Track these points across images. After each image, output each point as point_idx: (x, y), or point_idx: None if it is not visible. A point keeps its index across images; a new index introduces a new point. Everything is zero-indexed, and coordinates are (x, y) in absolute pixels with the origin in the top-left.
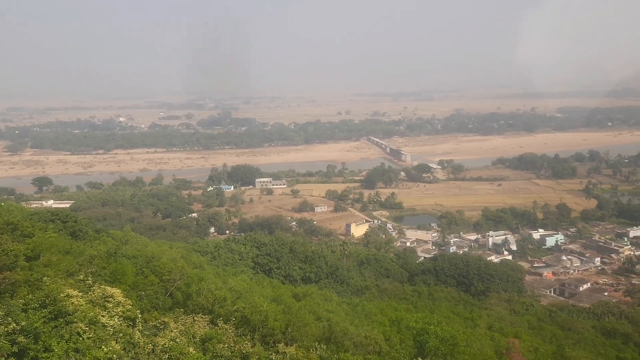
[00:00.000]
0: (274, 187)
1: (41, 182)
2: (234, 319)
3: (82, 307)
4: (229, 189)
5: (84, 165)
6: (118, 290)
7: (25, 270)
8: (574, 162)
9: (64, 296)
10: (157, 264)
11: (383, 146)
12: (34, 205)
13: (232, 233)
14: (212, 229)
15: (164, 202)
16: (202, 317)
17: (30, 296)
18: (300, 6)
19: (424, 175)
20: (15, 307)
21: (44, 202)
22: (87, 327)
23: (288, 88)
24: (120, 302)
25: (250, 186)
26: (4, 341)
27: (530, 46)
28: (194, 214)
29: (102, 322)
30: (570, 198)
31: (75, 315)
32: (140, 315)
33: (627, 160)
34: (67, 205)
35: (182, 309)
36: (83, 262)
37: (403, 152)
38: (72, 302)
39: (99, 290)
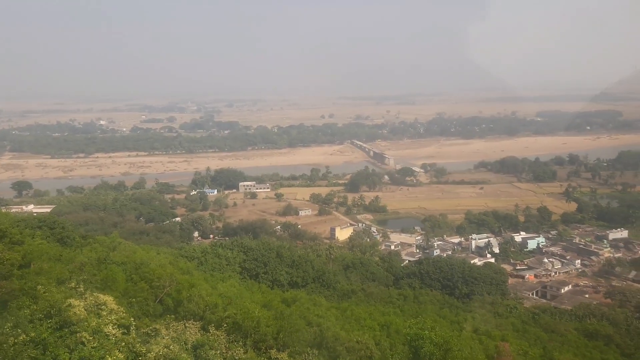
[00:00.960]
0: (257, 190)
1: (21, 187)
2: (225, 325)
3: (84, 317)
4: (212, 193)
5: (64, 169)
6: (110, 298)
7: (19, 278)
8: (554, 165)
9: (66, 306)
10: (146, 270)
11: (366, 150)
12: (13, 210)
13: (216, 237)
14: (196, 234)
15: (147, 207)
16: (193, 324)
17: (34, 306)
18: (281, 11)
19: (407, 178)
20: (24, 318)
21: (24, 207)
22: (90, 336)
23: (271, 91)
24: (113, 309)
25: (234, 190)
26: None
27: (507, 51)
28: (178, 219)
29: (105, 332)
30: (551, 201)
31: (79, 325)
32: (134, 323)
33: (605, 164)
34: (48, 210)
35: (172, 316)
36: (74, 270)
37: (386, 156)
38: (75, 312)
39: (91, 298)
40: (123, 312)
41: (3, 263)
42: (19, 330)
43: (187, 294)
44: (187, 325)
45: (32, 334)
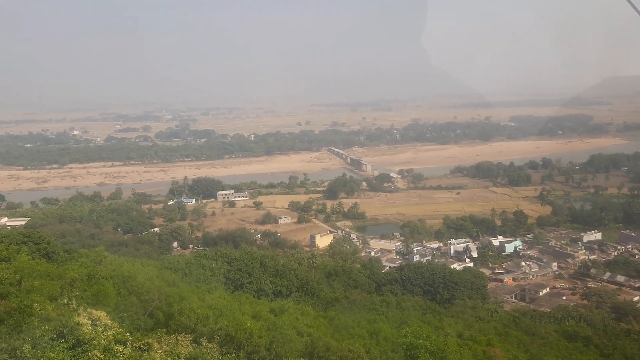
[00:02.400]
0: (236, 199)
1: None
2: (217, 337)
3: (95, 335)
4: (190, 202)
5: (37, 181)
6: (103, 313)
7: (14, 297)
8: (529, 169)
9: (75, 324)
10: (134, 284)
11: (344, 156)
12: None
13: (196, 247)
14: (175, 244)
15: (124, 217)
16: (185, 337)
17: (45, 327)
18: (253, 18)
19: (385, 184)
20: (42, 339)
21: None
22: (102, 354)
23: (246, 99)
24: (107, 325)
25: (212, 199)
26: None
27: (479, 57)
28: (156, 229)
29: (114, 349)
30: (526, 205)
31: (91, 344)
32: (130, 338)
33: (577, 167)
34: (23, 223)
35: (164, 329)
36: (64, 286)
37: (364, 162)
38: (84, 331)
39: (85, 314)
40: (118, 328)
41: (2, 282)
42: (38, 351)
43: (178, 307)
44: (179, 338)
45: (52, 355)
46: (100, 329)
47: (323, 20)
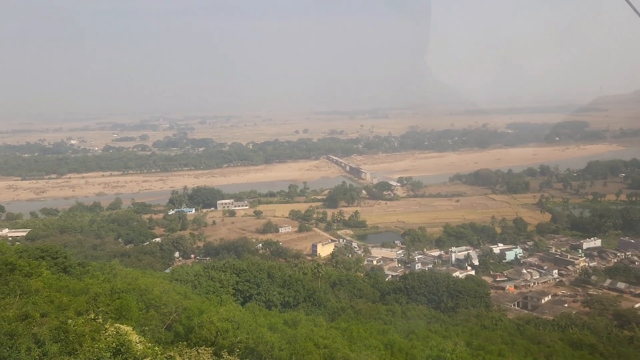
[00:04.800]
0: (236, 208)
1: None
2: (238, 350)
3: (149, 351)
4: (190, 212)
5: (36, 191)
6: (129, 328)
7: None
8: (527, 176)
9: (127, 340)
10: (151, 297)
11: (343, 164)
12: None
13: (198, 257)
14: (177, 254)
15: (125, 227)
16: (206, 350)
17: (99, 344)
18: (249, 26)
19: (384, 192)
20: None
21: None
22: None
23: (243, 107)
24: (134, 339)
25: (212, 208)
26: None
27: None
28: (157, 239)
29: None
30: (526, 212)
31: None
32: (159, 353)
33: (575, 174)
34: (24, 234)
35: (184, 342)
36: (89, 301)
37: (363, 170)
38: (139, 348)
39: (112, 329)
40: (148, 342)
41: (39, 300)
42: None
43: (199, 320)
44: (200, 351)
45: None
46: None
47: (320, 28)
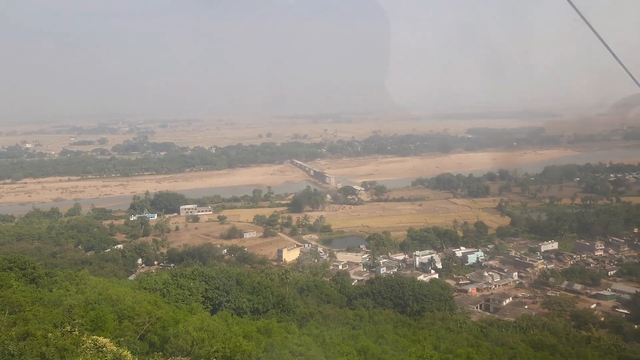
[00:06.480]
0: (199, 213)
1: None
2: (214, 359)
3: None
4: (152, 217)
5: None
6: (107, 340)
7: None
8: (487, 180)
9: (120, 355)
10: (124, 307)
11: (307, 169)
12: None
13: (161, 264)
14: (139, 261)
15: (85, 234)
16: None
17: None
18: (210, 28)
19: (348, 197)
20: None
21: None
22: None
23: (204, 110)
24: (113, 350)
25: (175, 213)
26: None
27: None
28: (119, 245)
29: None
30: (486, 216)
31: None
32: None
33: (533, 179)
34: None
35: (160, 353)
36: (64, 313)
37: (327, 175)
38: None
39: (89, 341)
40: (128, 354)
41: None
42: None
43: (174, 330)
44: None
45: None
46: (109, 356)
47: (282, 31)
